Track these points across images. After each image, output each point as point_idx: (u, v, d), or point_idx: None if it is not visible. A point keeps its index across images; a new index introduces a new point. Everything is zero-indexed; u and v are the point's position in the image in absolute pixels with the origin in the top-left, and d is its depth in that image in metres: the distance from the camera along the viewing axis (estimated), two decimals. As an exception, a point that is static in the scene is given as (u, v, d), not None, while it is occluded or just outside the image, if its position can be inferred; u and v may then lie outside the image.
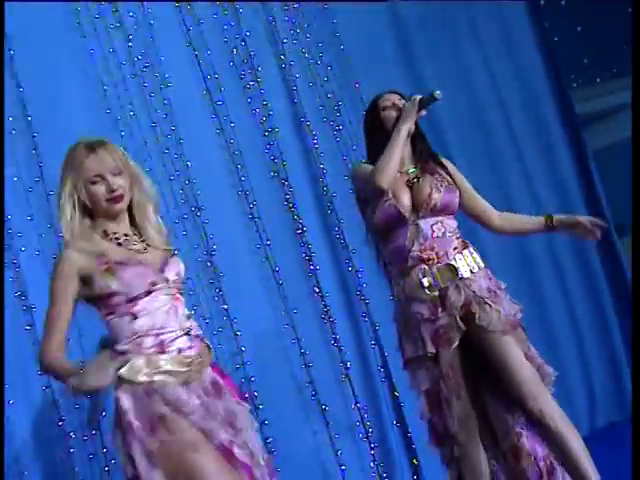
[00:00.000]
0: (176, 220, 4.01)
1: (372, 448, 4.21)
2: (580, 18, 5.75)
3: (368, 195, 3.03)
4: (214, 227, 4.10)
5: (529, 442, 2.96)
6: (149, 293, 2.39)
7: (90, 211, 2.45)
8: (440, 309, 2.89)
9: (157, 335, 2.38)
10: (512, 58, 5.35)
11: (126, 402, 2.32)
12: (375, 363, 4.37)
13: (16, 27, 3.79)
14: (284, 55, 4.52)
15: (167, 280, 2.43)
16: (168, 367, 2.35)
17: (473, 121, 5.07)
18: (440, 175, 3.03)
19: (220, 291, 4.04)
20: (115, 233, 2.45)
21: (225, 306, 4.03)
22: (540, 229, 3.18)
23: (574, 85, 5.72)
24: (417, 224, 2.93)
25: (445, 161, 3.15)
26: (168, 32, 4.22)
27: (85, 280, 2.38)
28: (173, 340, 2.39)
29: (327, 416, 4.14)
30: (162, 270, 2.44)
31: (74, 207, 2.43)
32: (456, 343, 2.87)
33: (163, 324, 2.39)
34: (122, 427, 2.32)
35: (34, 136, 3.75)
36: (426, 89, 4.85)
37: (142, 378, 2.34)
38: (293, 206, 4.33)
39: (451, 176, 3.07)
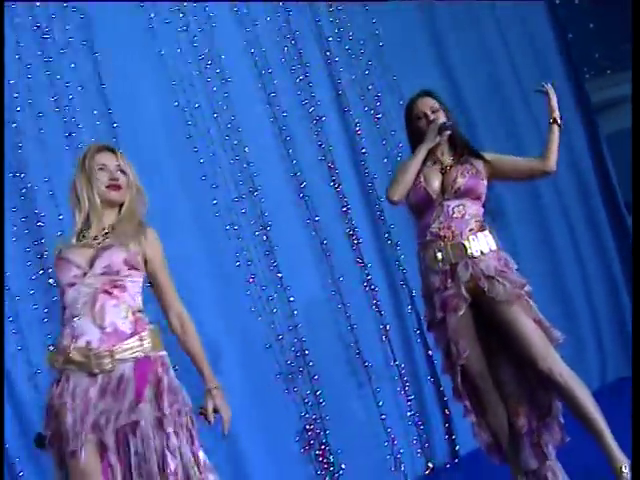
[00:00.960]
0: (235, 199, 4.14)
1: (409, 400, 4.36)
2: (592, 16, 5.77)
3: None
4: (269, 205, 4.21)
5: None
6: (72, 285, 2.42)
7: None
8: (449, 281, 3.01)
9: (73, 326, 2.39)
10: (532, 53, 5.33)
11: (52, 387, 2.42)
12: (411, 326, 4.48)
13: (99, 33, 3.96)
14: (329, 52, 4.59)
15: (85, 274, 2.42)
16: (75, 357, 2.36)
17: (498, 109, 5.10)
18: (471, 164, 3.14)
19: (275, 262, 4.15)
20: (85, 229, 2.52)
21: (279, 275, 4.15)
22: (557, 131, 3.21)
23: (587, 76, 5.71)
24: (442, 205, 3.06)
25: (490, 156, 3.20)
26: (228, 33, 4.31)
27: None
28: (83, 332, 2.38)
29: (369, 372, 4.26)
30: (92, 262, 2.44)
31: (84, 191, 2.52)
32: (462, 311, 2.99)
33: (79, 314, 2.39)
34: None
35: (114, 126, 3.89)
36: (456, 82, 4.97)
37: (57, 365, 2.40)
38: (338, 186, 4.44)
39: (487, 162, 3.16)
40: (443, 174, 3.12)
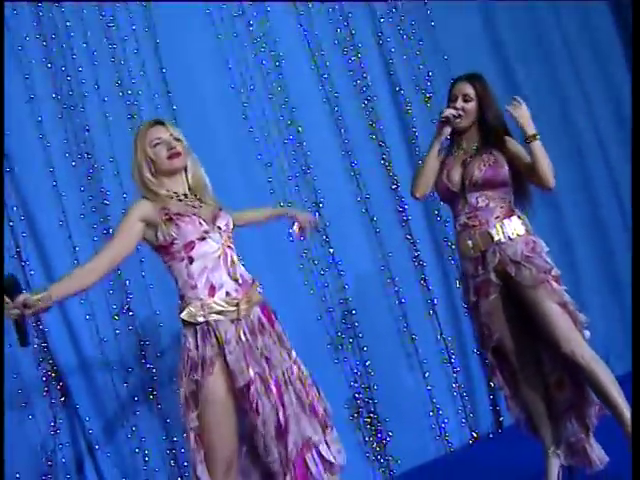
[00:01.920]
0: (289, 177, 4.30)
1: (455, 372, 4.47)
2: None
3: None
4: (321, 183, 4.36)
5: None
6: (203, 239, 2.56)
7: (157, 174, 2.65)
8: (480, 267, 3.15)
9: (208, 278, 2.54)
10: (590, 33, 5.25)
11: (190, 340, 2.55)
12: (458, 300, 4.42)
13: (160, 20, 4.14)
14: (381, 32, 4.62)
15: (219, 228, 2.62)
16: (219, 308, 2.53)
17: (552, 92, 5.04)
18: (490, 153, 3.18)
19: (327, 237, 4.31)
20: (176, 192, 2.65)
21: (331, 250, 4.31)
22: (537, 147, 3.08)
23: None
24: (466, 197, 3.18)
25: (508, 140, 3.19)
26: (281, 17, 4.42)
27: (150, 227, 2.57)
28: (222, 284, 2.56)
29: (417, 344, 4.39)
30: (214, 221, 2.62)
31: (145, 168, 2.63)
32: (493, 295, 3.14)
33: (214, 267, 2.56)
34: (184, 360, 2.55)
35: (174, 108, 4.08)
36: (508, 60, 4.95)
37: (200, 319, 2.53)
38: (389, 164, 4.51)
39: (508, 152, 3.17)
40: (464, 167, 3.20)
